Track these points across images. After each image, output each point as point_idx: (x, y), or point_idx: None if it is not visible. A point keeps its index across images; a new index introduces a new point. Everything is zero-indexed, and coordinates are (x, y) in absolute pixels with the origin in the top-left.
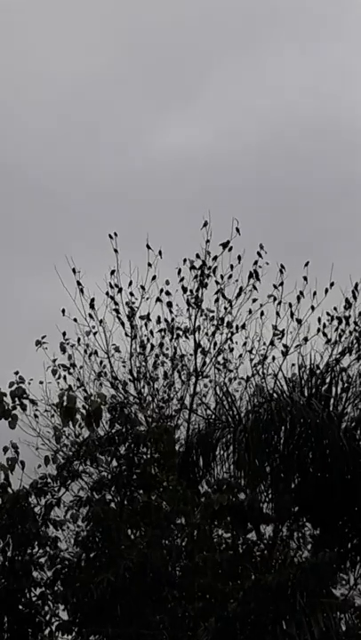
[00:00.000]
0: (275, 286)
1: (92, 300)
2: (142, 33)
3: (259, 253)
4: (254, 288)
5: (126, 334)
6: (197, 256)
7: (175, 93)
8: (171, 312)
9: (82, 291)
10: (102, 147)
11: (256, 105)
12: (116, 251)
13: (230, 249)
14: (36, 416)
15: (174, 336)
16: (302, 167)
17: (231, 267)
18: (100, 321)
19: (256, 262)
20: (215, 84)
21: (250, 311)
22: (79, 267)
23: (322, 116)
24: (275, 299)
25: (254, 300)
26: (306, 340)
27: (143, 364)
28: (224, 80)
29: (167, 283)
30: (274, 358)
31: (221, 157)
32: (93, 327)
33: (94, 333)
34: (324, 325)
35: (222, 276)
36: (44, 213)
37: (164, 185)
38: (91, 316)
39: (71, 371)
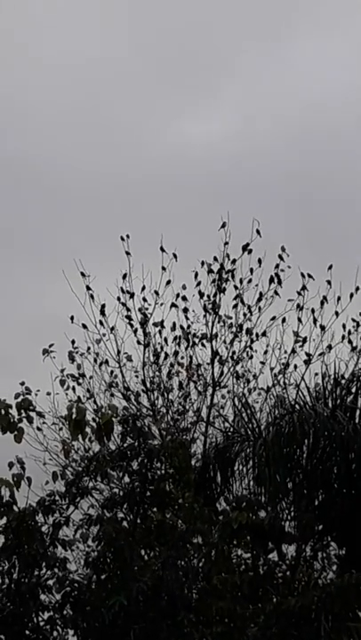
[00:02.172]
0: (298, 293)
1: (103, 305)
2: (162, 21)
3: (280, 256)
4: (276, 293)
5: (139, 342)
6: (215, 259)
7: (195, 87)
8: (186, 318)
9: (92, 296)
10: (117, 142)
11: (280, 97)
12: (128, 253)
13: (250, 251)
14: (39, 429)
15: (190, 344)
16: (329, 160)
17: (251, 270)
18: (112, 328)
19: (278, 266)
20: (237, 76)
21: (273, 318)
22: (89, 271)
23: (350, 104)
24: (298, 306)
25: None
26: (330, 347)
27: (157, 373)
28: (247, 71)
29: (183, 287)
30: (296, 367)
31: (243, 154)
32: (104, 335)
33: (105, 341)
34: (350, 332)
35: (241, 281)
36: (52, 213)
37: (181, 184)
38: (101, 322)
39: (80, 381)
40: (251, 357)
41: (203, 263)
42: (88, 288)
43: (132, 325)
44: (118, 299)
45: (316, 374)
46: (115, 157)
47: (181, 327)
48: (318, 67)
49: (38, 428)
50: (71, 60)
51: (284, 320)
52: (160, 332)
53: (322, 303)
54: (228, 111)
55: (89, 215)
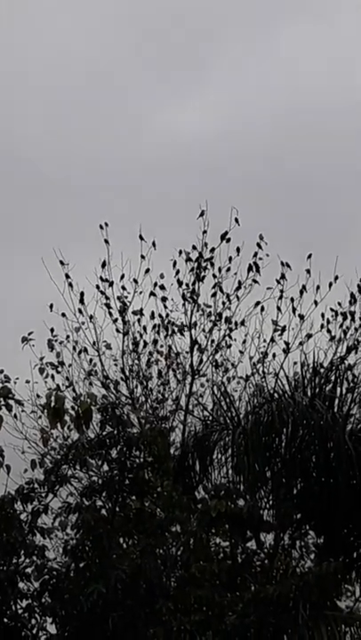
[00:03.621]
0: (278, 281)
1: (82, 294)
2: (149, 9)
3: (259, 244)
4: (254, 282)
5: (118, 330)
6: (194, 247)
7: (180, 74)
8: (165, 307)
9: (71, 284)
10: (101, 132)
11: (265, 84)
12: (106, 242)
13: (228, 240)
14: (15, 416)
15: (169, 332)
16: (312, 151)
17: (230, 259)
18: (91, 316)
19: (256, 254)
20: (223, 62)
21: (257, 303)
22: (68, 259)
23: (337, 91)
24: (280, 292)
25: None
26: (309, 336)
27: (136, 362)
28: (232, 58)
29: (162, 276)
30: (275, 356)
31: (225, 143)
32: (83, 323)
33: (84, 330)
34: (328, 321)
35: (220, 269)
36: (33, 201)
37: (160, 172)
38: (80, 311)
39: (59, 369)
40: (230, 346)
41: (181, 252)
42: (67, 276)
43: (111, 314)
44: (97, 287)
45: (295, 363)
46: (101, 147)
47: (160, 316)
48: (314, 61)
49: (15, 416)
50: (63, 49)
51: (263, 309)
52: (139, 320)
53: (301, 292)
54: (216, 103)
55: (68, 203)
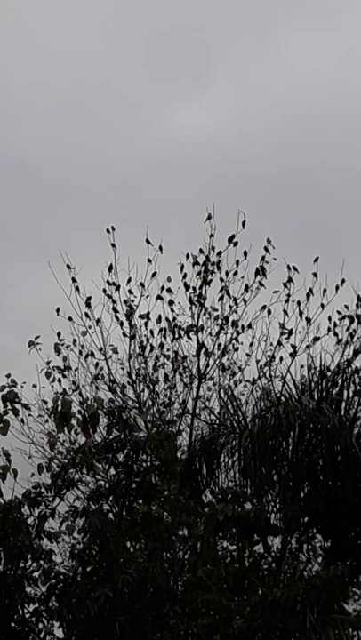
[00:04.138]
0: (284, 285)
1: (89, 298)
2: (148, 11)
3: (266, 248)
4: (261, 285)
5: (125, 334)
6: (201, 251)
7: (182, 76)
8: (172, 311)
9: (77, 288)
10: (105, 133)
11: (267, 86)
12: (113, 245)
13: (236, 244)
14: (22, 420)
15: (176, 336)
16: (317, 154)
17: (237, 263)
18: (97, 320)
19: (263, 258)
20: (225, 64)
21: (264, 306)
22: (75, 263)
23: (337, 91)
24: (288, 298)
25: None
26: (316, 339)
27: (143, 365)
28: (234, 60)
29: (168, 280)
30: (282, 359)
31: (230, 146)
32: (90, 327)
33: (91, 334)
34: (335, 324)
35: (227, 273)
36: (38, 204)
37: (167, 176)
38: (87, 315)
39: (66, 373)
40: (237, 349)
41: (188, 255)
42: (74, 280)
43: (117, 318)
44: (104, 291)
45: (302, 366)
46: (105, 149)
47: (167, 319)
48: (314, 61)
49: (22, 421)
50: (63, 49)
51: (269, 312)
52: (146, 324)
53: (308, 295)
54: (219, 104)
55: (73, 205)
